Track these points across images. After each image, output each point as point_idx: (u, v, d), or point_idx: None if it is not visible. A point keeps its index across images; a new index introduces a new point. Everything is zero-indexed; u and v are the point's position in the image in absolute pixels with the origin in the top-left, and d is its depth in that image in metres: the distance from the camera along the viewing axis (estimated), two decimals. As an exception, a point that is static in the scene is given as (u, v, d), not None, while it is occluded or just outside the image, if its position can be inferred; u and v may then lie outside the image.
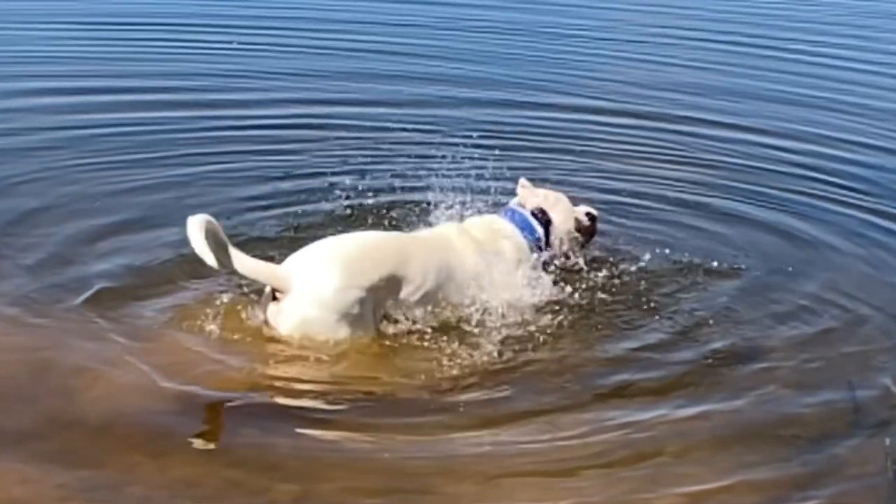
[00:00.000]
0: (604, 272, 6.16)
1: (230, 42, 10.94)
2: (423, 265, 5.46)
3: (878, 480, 4.49)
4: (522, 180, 6.31)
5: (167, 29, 12.79)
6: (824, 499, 4.36)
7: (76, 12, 13.59)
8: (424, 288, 5.43)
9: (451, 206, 6.29)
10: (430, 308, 5.47)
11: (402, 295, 5.38)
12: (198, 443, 4.49)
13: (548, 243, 6.07)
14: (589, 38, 14.07)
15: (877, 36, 16.04)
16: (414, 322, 5.41)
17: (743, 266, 6.52)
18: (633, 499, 4.32)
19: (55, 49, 11.49)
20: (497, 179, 6.65)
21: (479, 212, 6.24)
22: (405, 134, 8.81)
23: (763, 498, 4.36)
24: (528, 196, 6.16)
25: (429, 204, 6.44)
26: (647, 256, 6.42)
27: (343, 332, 5.19)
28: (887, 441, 4.68)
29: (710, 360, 5.40)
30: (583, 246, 6.31)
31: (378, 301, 5.29)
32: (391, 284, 5.33)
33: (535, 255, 5.94)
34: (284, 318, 5.16)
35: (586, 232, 6.32)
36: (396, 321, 5.39)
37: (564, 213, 6.18)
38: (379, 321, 5.34)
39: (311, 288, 5.13)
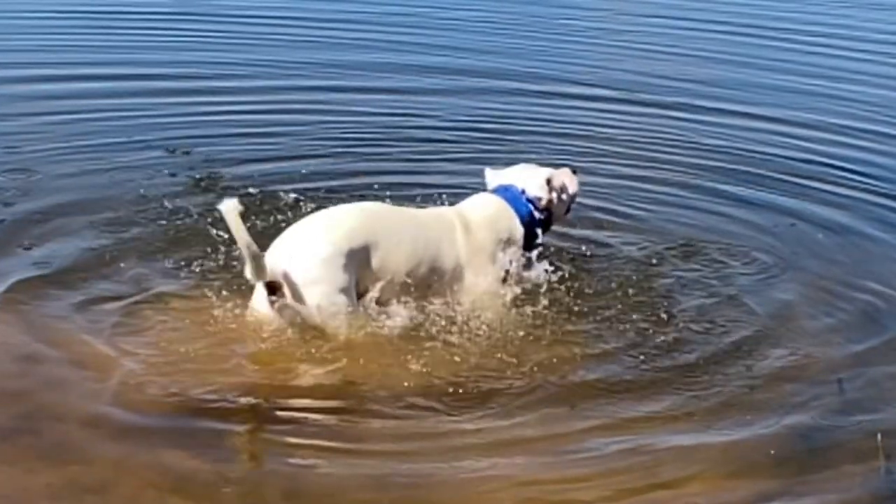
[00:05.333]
0: (608, 261, 6.17)
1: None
2: (405, 235, 5.35)
3: (871, 476, 4.47)
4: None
5: (152, 18, 12.86)
6: (816, 495, 4.33)
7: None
8: (408, 261, 5.32)
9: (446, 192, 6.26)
10: (419, 285, 5.38)
11: (383, 266, 5.25)
12: (187, 441, 4.43)
13: (549, 223, 6.01)
14: (591, 30, 14.15)
15: (881, 27, 16.04)
16: (402, 302, 5.33)
17: (736, 254, 6.53)
18: (627, 490, 4.31)
19: (35, 38, 11.56)
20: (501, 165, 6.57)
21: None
22: (408, 119, 8.95)
23: (753, 493, 4.33)
24: (516, 174, 6.02)
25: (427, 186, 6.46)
26: (654, 243, 6.48)
27: (340, 304, 5.08)
28: (879, 436, 4.65)
29: (699, 355, 5.35)
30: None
31: (360, 270, 5.18)
32: (370, 251, 5.21)
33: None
34: (286, 307, 5.07)
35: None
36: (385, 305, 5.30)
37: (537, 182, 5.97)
38: (362, 298, 5.24)
39: (303, 268, 5.04)
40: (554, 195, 5.92)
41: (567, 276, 5.90)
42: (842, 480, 4.44)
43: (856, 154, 8.82)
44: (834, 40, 14.29)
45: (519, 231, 5.77)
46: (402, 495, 4.20)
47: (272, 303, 5.08)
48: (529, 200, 5.84)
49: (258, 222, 6.27)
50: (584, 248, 6.38)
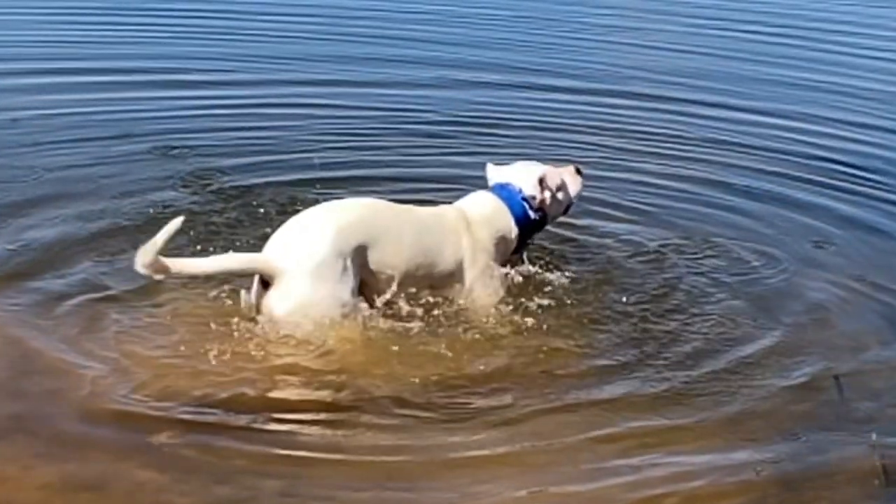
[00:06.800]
0: (614, 261, 6.10)
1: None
2: (405, 232, 5.30)
3: (866, 475, 4.39)
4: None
5: (141, 14, 12.94)
6: (811, 494, 4.28)
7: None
8: (407, 259, 5.26)
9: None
10: (418, 284, 5.32)
11: (383, 263, 5.20)
12: (183, 438, 4.39)
13: (543, 223, 5.91)
14: (596, 26, 14.16)
15: (886, 24, 16.02)
16: (400, 302, 5.26)
17: (737, 248, 6.46)
18: (621, 490, 4.25)
19: (23, 33, 11.62)
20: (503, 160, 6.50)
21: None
22: (407, 114, 8.95)
23: (748, 493, 4.27)
24: (516, 172, 5.91)
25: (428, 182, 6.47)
26: (667, 241, 6.42)
27: (340, 300, 5.02)
28: (874, 436, 4.58)
29: (693, 353, 5.25)
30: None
31: (359, 266, 5.13)
32: (369, 247, 5.15)
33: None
34: (281, 302, 4.99)
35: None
36: (382, 305, 5.23)
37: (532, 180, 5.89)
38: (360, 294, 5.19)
39: (301, 263, 4.97)
40: (547, 194, 5.81)
41: (575, 277, 5.82)
42: (836, 478, 4.39)
43: (872, 151, 8.76)
44: (851, 37, 14.30)
45: (514, 230, 5.71)
46: (400, 489, 4.18)
47: (269, 298, 5.02)
48: (525, 199, 5.77)
49: (252, 218, 6.27)
50: (590, 246, 6.33)
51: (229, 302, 5.22)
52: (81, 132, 8.01)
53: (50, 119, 8.28)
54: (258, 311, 5.06)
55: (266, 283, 5.02)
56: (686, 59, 12.21)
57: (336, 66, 10.63)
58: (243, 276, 5.18)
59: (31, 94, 8.96)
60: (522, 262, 5.79)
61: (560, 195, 5.90)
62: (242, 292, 5.15)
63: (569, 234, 6.41)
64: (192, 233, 5.91)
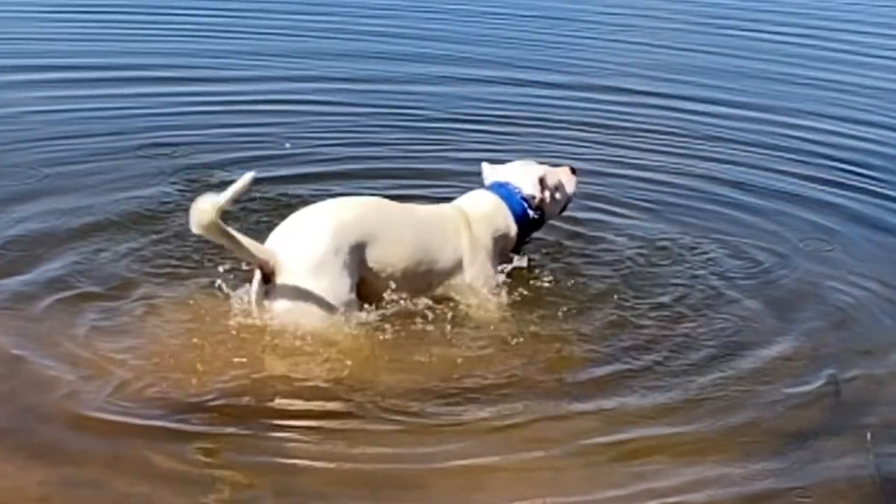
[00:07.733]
0: (618, 262, 6.03)
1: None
2: (405, 231, 5.29)
3: (860, 475, 4.36)
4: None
5: (131, 10, 12.95)
6: (805, 494, 4.22)
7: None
8: (406, 258, 5.24)
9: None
10: (418, 282, 5.28)
11: (383, 261, 5.17)
12: (179, 438, 4.35)
13: (542, 222, 5.89)
14: (600, 24, 14.13)
15: (891, 21, 16.00)
16: (399, 300, 5.22)
17: (740, 245, 6.39)
18: (616, 495, 4.19)
19: (24, 30, 11.61)
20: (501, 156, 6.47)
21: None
22: (411, 111, 8.92)
23: (742, 492, 4.22)
24: (513, 170, 5.89)
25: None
26: (668, 236, 6.39)
27: (338, 297, 5.00)
28: (868, 435, 4.56)
29: (688, 349, 5.22)
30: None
31: (358, 263, 5.10)
32: (369, 244, 5.14)
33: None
34: (279, 297, 4.98)
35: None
36: (381, 306, 5.19)
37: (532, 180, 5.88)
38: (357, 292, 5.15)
39: (299, 259, 4.96)
40: (547, 194, 5.85)
41: (578, 279, 5.79)
42: (831, 478, 4.35)
43: (880, 149, 8.70)
44: (857, 35, 14.30)
45: (513, 229, 5.71)
46: (395, 497, 4.13)
47: (268, 293, 5.01)
48: (524, 199, 5.77)
49: (244, 214, 6.18)
50: (598, 244, 6.29)
51: (211, 303, 5.20)
52: (70, 129, 7.99)
53: (38, 115, 8.27)
54: (258, 305, 5.04)
55: (266, 279, 5.00)
56: (692, 57, 12.20)
57: (331, 63, 10.62)
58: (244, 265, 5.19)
59: (20, 90, 8.95)
60: (512, 261, 5.73)
61: (557, 195, 5.94)
62: (223, 285, 5.15)
63: (576, 230, 6.42)
64: (182, 228, 5.82)
